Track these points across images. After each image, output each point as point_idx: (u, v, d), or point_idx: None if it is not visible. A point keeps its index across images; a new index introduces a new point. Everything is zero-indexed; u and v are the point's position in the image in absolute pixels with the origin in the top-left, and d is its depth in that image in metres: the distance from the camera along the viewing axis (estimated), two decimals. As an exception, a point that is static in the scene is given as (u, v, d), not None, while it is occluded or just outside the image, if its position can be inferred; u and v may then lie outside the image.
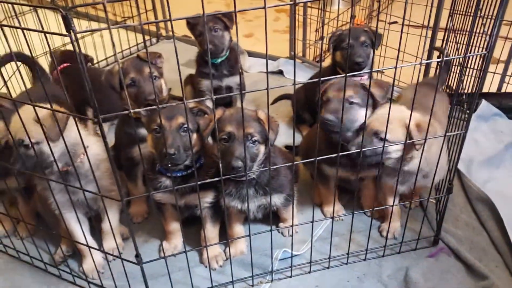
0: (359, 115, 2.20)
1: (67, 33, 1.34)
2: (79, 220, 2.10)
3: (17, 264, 2.42)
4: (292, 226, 2.12)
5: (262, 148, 2.04)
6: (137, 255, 1.92)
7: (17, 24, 1.79)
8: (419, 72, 2.12)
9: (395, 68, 1.78)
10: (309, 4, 4.16)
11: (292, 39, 4.20)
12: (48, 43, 1.40)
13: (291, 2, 2.31)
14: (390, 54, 3.51)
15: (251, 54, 4.46)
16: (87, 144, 2.04)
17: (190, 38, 4.59)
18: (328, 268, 2.33)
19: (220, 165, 1.87)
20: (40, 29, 1.47)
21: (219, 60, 3.21)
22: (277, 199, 2.26)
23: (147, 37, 4.88)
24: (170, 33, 5.08)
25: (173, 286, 2.15)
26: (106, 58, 4.49)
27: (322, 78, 1.76)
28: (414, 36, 3.27)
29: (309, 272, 2.31)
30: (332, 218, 2.14)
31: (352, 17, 2.38)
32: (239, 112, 1.91)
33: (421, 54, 3.41)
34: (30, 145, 1.91)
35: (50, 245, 2.37)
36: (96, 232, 2.40)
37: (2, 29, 1.45)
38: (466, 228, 2.52)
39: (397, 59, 1.78)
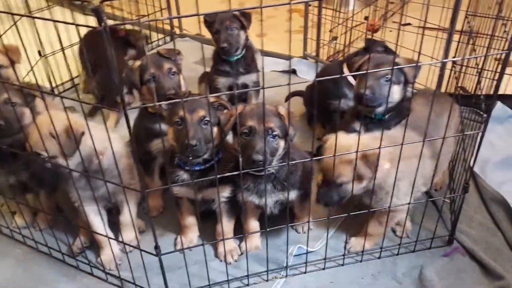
0: (393, 91, 2.31)
1: (99, 26, 1.38)
2: (100, 212, 2.14)
3: (36, 255, 2.46)
4: (308, 222, 2.14)
5: (282, 143, 2.06)
6: (156, 247, 1.95)
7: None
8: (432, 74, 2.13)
9: (416, 65, 1.80)
10: (323, 4, 4.18)
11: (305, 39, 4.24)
12: (79, 36, 1.43)
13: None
14: (406, 55, 3.51)
15: (264, 53, 4.48)
16: (106, 145, 2.07)
17: (203, 37, 4.63)
18: (342, 265, 2.35)
19: (240, 159, 1.90)
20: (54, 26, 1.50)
21: (235, 58, 3.24)
22: (294, 195, 2.28)
23: (160, 36, 4.92)
24: (184, 32, 5.12)
25: (189, 278, 2.18)
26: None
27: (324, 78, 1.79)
28: (429, 37, 3.28)
29: (323, 269, 2.33)
30: (348, 215, 2.16)
31: (366, 18, 2.40)
32: (259, 107, 1.96)
33: (435, 55, 3.43)
34: (46, 158, 1.97)
35: (68, 236, 2.43)
36: (112, 225, 2.45)
37: (34, 22, 1.49)
38: (480, 228, 2.52)
39: (418, 58, 1.80)
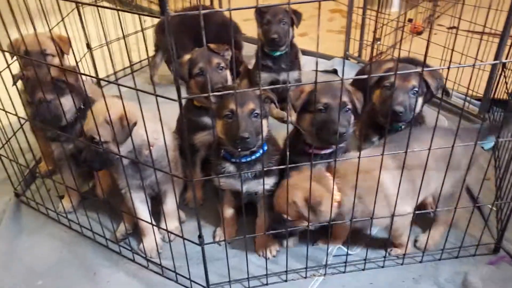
0: (418, 104, 2.31)
1: (160, 16, 1.41)
2: (147, 200, 2.19)
3: (81, 239, 2.54)
4: (351, 221, 2.11)
5: (352, 116, 2.20)
6: (200, 236, 1.97)
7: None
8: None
9: (448, 68, 1.76)
10: (368, 5, 4.14)
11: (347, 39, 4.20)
12: (141, 26, 1.47)
13: None
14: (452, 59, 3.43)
15: (304, 52, 4.46)
16: (157, 137, 2.13)
17: (244, 34, 4.66)
18: (382, 267, 2.31)
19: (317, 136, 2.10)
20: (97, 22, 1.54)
21: (278, 53, 3.26)
22: None
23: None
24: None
25: (229, 270, 2.19)
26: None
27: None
28: (477, 41, 3.19)
29: (363, 270, 2.30)
30: (392, 216, 2.13)
31: (409, 20, 2.36)
32: (329, 85, 2.11)
33: (482, 58, 3.33)
34: (99, 143, 2.04)
35: (113, 223, 2.50)
36: (154, 214, 2.50)
37: (98, 10, 1.54)
38: (528, 238, 2.44)
39: (450, 61, 1.76)
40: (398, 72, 2.09)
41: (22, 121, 2.57)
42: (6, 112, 2.44)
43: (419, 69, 1.95)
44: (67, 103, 2.31)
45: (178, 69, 2.49)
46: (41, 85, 2.17)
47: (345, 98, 2.11)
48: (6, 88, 2.44)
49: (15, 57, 2.54)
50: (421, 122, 2.51)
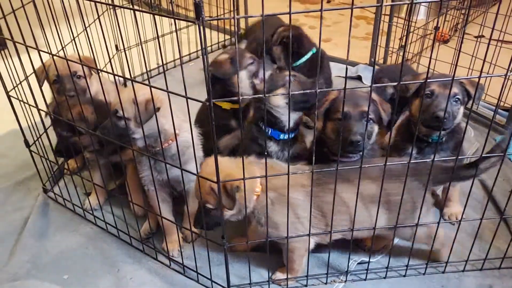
0: (460, 112, 2.29)
1: (195, 21, 1.45)
2: (169, 199, 2.23)
3: (105, 235, 2.60)
4: (374, 228, 2.11)
5: (376, 127, 2.19)
6: (223, 237, 2.00)
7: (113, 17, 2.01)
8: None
9: (479, 77, 1.75)
10: (395, 13, 4.12)
11: (373, 45, 4.19)
12: (176, 28, 1.51)
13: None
14: (478, 67, 3.40)
15: (329, 58, 4.47)
16: (178, 131, 2.17)
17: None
18: (404, 276, 2.29)
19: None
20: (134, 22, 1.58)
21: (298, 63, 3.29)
22: None
23: (227, 37, 5.05)
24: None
25: (250, 273, 2.21)
26: (188, 54, 4.69)
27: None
28: (506, 50, 3.15)
29: (384, 278, 2.29)
30: (417, 225, 2.11)
31: (436, 28, 2.33)
32: (352, 92, 2.15)
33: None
34: (121, 117, 2.13)
35: (138, 221, 2.54)
36: (176, 214, 2.55)
37: (134, 13, 1.59)
38: (556, 253, 2.38)
39: (481, 70, 1.74)
40: (432, 80, 2.13)
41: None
42: (38, 109, 2.51)
43: (452, 78, 1.91)
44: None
45: (217, 67, 2.62)
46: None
47: (366, 108, 2.09)
48: (39, 85, 2.53)
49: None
50: (459, 133, 2.47)
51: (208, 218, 2.04)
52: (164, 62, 4.27)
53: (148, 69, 4.19)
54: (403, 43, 4.20)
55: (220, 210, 1.96)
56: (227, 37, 5.05)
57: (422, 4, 5.01)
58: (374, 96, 2.13)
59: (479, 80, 1.74)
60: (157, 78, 4.37)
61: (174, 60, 4.44)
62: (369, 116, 2.09)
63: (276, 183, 1.97)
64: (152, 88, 1.83)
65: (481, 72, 1.73)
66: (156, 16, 1.64)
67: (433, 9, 4.90)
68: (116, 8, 1.84)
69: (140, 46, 3.15)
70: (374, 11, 4.18)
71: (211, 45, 4.82)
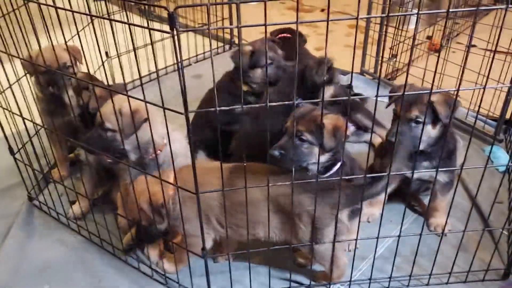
0: (427, 133, 2.23)
1: (169, 31, 1.44)
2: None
3: (88, 245, 2.58)
4: (356, 239, 2.10)
5: (314, 150, 2.09)
6: (203, 249, 1.99)
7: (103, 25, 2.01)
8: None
9: (457, 90, 1.77)
10: (385, 21, 4.13)
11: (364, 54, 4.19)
12: (151, 39, 1.51)
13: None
14: (469, 78, 3.40)
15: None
16: (166, 141, 2.16)
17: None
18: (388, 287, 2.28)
19: None
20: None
21: None
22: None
23: (220, 44, 5.05)
24: (243, 41, 5.21)
25: (232, 283, 2.19)
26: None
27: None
28: (496, 60, 3.14)
29: (368, 290, 2.28)
30: (399, 236, 2.10)
31: (428, 37, 2.32)
32: (306, 110, 2.18)
33: (502, 79, 3.28)
34: (107, 129, 2.15)
35: (120, 231, 2.53)
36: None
37: (110, 24, 1.58)
38: (541, 265, 2.36)
39: (460, 82, 1.75)
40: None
41: (38, 127, 2.65)
42: (23, 118, 2.51)
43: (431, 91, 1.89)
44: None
45: (236, 58, 2.87)
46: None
47: (303, 127, 2.06)
48: (23, 94, 2.52)
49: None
50: (453, 145, 2.47)
51: (148, 231, 2.16)
52: (154, 70, 4.28)
53: (138, 77, 4.18)
54: (394, 52, 4.21)
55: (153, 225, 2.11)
56: (220, 44, 5.06)
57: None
58: (327, 120, 2.05)
59: (457, 93, 1.73)
60: (148, 85, 4.36)
61: (166, 67, 4.44)
62: (302, 137, 2.07)
63: (187, 179, 1.92)
64: (138, 102, 1.82)
65: (459, 83, 1.71)
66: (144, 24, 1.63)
67: (423, 19, 4.91)
68: (97, 18, 1.84)
69: (129, 53, 3.14)
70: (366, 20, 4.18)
71: (204, 52, 4.82)
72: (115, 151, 2.22)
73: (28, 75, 2.68)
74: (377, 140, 3.15)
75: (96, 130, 2.20)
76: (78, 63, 2.88)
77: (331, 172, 2.20)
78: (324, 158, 2.12)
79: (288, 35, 3.64)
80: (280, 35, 3.62)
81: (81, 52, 2.03)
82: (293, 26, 3.32)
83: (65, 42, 2.02)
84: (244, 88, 2.89)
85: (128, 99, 1.83)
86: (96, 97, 2.11)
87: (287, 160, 2.03)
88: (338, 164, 2.20)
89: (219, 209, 2.06)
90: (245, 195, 1.83)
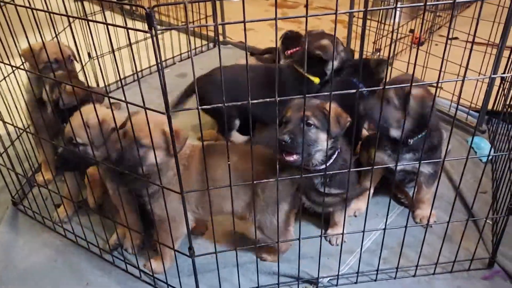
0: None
1: (148, 30, 1.43)
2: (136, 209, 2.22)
3: (75, 248, 2.55)
4: (342, 234, 2.11)
5: (322, 136, 2.15)
6: (190, 248, 1.98)
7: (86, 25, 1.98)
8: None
9: (437, 83, 1.76)
10: (368, 16, 4.14)
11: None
12: (129, 39, 1.49)
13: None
14: (452, 70, 3.44)
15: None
16: None
17: (244, 44, 4.68)
18: (375, 280, 2.30)
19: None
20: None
21: None
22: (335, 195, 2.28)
23: (204, 42, 5.03)
24: (227, 39, 5.21)
25: (220, 282, 2.19)
26: (165, 60, 4.66)
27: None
28: (478, 53, 3.17)
29: (356, 283, 2.29)
30: (384, 229, 2.12)
31: (411, 31, 2.35)
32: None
33: (483, 71, 3.31)
34: (76, 144, 2.14)
35: (107, 233, 2.51)
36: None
37: (88, 24, 1.56)
38: (524, 253, 2.41)
39: (439, 74, 1.75)
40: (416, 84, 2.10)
41: (20, 131, 2.61)
42: (4, 122, 2.47)
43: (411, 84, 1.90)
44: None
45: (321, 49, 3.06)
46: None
47: (309, 113, 2.12)
48: (2, 98, 2.49)
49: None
50: (438, 138, 2.49)
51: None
52: (139, 70, 4.25)
53: (120, 77, 4.15)
54: (377, 47, 4.23)
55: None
56: (204, 42, 5.03)
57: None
58: (327, 106, 2.07)
59: (437, 85, 1.74)
60: (132, 85, 4.33)
61: (150, 67, 4.41)
62: (309, 121, 2.12)
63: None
64: (105, 111, 1.81)
65: (438, 76, 1.73)
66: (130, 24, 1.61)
67: (405, 13, 4.95)
68: (76, 19, 1.82)
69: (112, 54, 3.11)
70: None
71: (188, 51, 4.79)
72: (90, 163, 2.23)
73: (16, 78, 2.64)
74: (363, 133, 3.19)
75: (68, 147, 2.19)
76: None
77: (331, 161, 2.26)
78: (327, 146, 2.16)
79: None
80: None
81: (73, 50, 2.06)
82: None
83: (43, 42, 1.99)
84: (316, 80, 3.09)
85: (95, 109, 1.87)
86: (61, 93, 2.09)
87: (296, 145, 2.07)
88: (336, 153, 2.27)
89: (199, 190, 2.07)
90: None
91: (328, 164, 2.23)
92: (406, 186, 2.84)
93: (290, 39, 3.97)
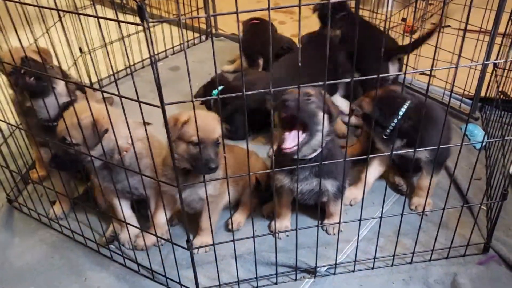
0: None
1: (140, 23, 1.42)
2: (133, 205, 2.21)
3: (72, 244, 2.55)
4: (339, 223, 2.12)
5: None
6: (188, 240, 1.98)
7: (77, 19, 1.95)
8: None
9: (430, 70, 1.76)
10: (360, 5, 4.14)
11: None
12: (121, 32, 1.48)
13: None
14: (444, 57, 3.44)
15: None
16: (131, 143, 2.13)
17: (237, 36, 4.66)
18: (372, 268, 2.32)
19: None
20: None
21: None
22: (330, 186, 2.29)
23: (196, 35, 4.99)
24: (219, 31, 5.17)
25: (219, 274, 2.20)
26: (157, 54, 4.62)
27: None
28: (470, 40, 3.18)
29: (353, 271, 2.31)
30: (381, 218, 2.13)
31: (403, 19, 2.34)
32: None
33: (475, 58, 3.32)
34: (70, 144, 2.10)
35: (104, 228, 2.50)
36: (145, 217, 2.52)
37: (79, 18, 1.54)
38: (518, 238, 2.44)
39: (433, 62, 1.76)
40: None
41: (13, 128, 2.58)
42: (-4, 119, 2.45)
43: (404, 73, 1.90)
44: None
45: None
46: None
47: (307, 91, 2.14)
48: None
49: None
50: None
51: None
52: (131, 64, 4.22)
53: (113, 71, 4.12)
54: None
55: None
56: (196, 35, 4.99)
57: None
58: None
59: (430, 73, 1.74)
60: (125, 79, 4.29)
61: (142, 61, 4.38)
62: (310, 97, 2.13)
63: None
64: (98, 109, 1.79)
65: (432, 64, 1.73)
66: (120, 17, 1.59)
67: (398, 1, 4.94)
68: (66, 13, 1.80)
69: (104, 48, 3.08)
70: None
71: (180, 44, 4.75)
72: (83, 164, 2.21)
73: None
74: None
75: (60, 148, 2.16)
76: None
77: (319, 150, 2.24)
78: (325, 131, 2.14)
79: (257, 21, 4.17)
80: (251, 22, 4.16)
81: (51, 54, 1.96)
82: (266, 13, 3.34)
83: (35, 42, 1.96)
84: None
85: (91, 109, 1.84)
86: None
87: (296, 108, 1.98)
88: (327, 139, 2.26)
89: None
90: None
91: (317, 153, 2.22)
92: (415, 175, 2.81)
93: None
